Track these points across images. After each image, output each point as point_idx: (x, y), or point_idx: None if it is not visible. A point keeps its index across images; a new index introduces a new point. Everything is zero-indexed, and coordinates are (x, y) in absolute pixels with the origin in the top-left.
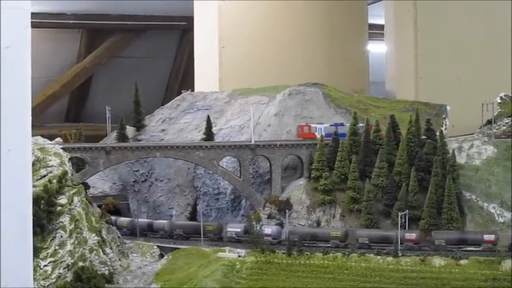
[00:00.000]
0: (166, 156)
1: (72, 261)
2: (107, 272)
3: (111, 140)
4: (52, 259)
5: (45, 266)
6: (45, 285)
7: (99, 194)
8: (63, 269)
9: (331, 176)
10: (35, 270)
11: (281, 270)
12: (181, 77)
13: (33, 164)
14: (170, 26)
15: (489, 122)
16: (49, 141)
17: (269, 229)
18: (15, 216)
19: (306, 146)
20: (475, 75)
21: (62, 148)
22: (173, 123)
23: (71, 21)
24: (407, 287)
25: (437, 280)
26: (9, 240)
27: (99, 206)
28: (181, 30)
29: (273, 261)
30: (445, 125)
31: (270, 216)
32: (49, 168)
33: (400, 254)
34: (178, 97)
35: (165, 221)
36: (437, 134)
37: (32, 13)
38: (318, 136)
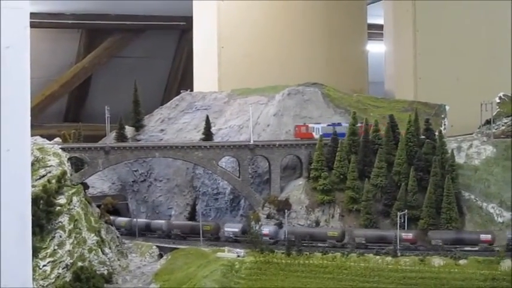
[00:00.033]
0: (166, 156)
1: (71, 261)
2: (106, 272)
3: (110, 140)
4: (51, 259)
5: (44, 266)
6: (44, 285)
7: (98, 194)
8: (62, 269)
9: (330, 175)
10: (34, 270)
11: (280, 270)
12: (180, 77)
13: (32, 164)
14: (169, 26)
15: (488, 122)
16: (48, 141)
17: (267, 229)
18: (14, 216)
19: (305, 146)
20: (474, 75)
21: (61, 148)
22: (172, 123)
23: (70, 21)
24: (407, 286)
25: (436, 280)
26: (8, 240)
27: (98, 206)
28: (181, 30)
29: (272, 261)
30: (444, 124)
31: (269, 216)
32: (48, 168)
33: (399, 254)
34: (177, 97)
35: (162, 221)
36: (436, 133)
37: (31, 13)
38: (316, 136)
